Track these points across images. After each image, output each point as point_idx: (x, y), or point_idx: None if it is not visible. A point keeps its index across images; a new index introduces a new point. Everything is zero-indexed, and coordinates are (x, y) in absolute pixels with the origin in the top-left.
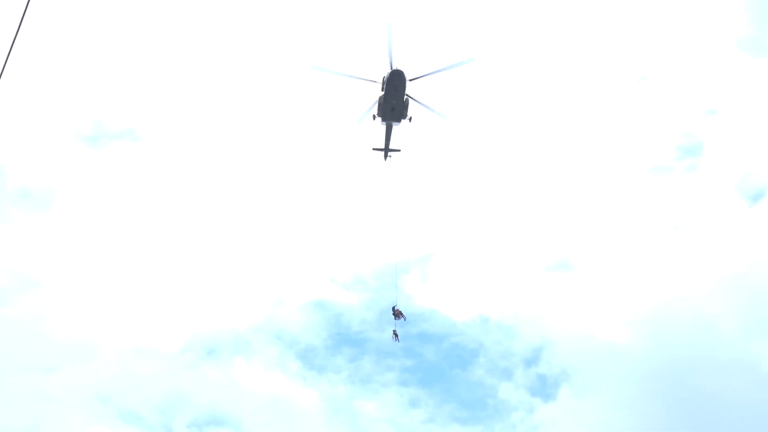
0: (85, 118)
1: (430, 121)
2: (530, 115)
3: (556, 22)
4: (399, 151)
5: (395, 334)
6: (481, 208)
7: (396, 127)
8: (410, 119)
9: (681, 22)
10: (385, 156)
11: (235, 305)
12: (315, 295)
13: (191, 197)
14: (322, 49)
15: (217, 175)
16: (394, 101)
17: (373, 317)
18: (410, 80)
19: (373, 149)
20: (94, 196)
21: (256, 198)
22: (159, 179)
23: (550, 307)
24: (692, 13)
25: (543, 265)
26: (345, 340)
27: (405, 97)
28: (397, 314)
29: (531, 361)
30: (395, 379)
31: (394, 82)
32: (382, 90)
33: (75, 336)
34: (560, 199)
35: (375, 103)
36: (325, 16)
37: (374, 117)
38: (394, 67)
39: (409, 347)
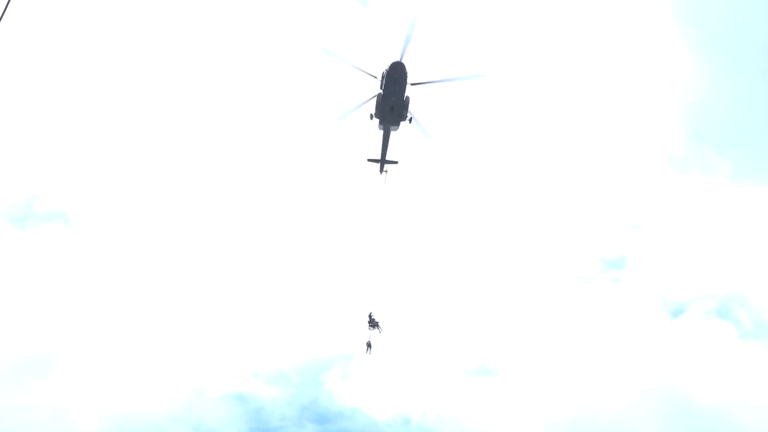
0: (15, 199)
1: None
2: (455, 220)
3: (486, 136)
4: (396, 163)
5: (369, 345)
6: (406, 308)
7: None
8: (410, 120)
9: (611, 137)
10: (381, 168)
11: (154, 393)
12: (236, 387)
13: (117, 281)
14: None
15: (144, 262)
16: (393, 98)
17: (294, 413)
18: (411, 84)
19: (368, 160)
20: (21, 279)
21: (180, 286)
22: (88, 262)
23: (472, 409)
24: (624, 130)
25: (465, 368)
26: None
27: (406, 96)
28: (372, 323)
29: None
30: None
31: (395, 76)
32: (381, 87)
33: None
34: (485, 304)
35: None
36: None
37: (371, 117)
38: (395, 60)
39: None
